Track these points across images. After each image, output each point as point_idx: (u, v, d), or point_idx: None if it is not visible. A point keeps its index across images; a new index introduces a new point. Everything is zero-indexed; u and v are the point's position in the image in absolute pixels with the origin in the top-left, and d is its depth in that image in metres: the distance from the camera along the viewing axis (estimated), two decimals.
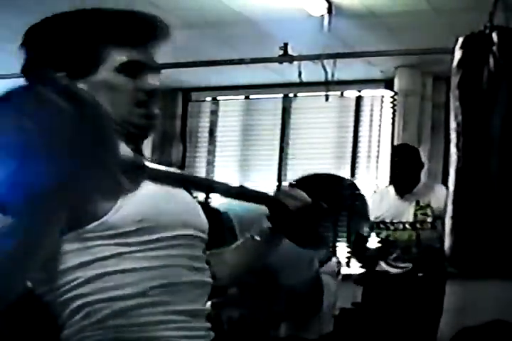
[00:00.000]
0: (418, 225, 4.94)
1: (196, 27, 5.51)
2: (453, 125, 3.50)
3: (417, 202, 4.99)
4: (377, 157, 6.56)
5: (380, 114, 6.62)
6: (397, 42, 5.56)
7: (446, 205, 3.60)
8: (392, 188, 5.12)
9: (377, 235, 5.12)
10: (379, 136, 6.58)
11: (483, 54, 3.48)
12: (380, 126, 6.61)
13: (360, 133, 6.64)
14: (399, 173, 5.07)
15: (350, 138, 6.63)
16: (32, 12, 5.32)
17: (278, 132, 6.46)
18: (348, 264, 6.36)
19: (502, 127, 3.44)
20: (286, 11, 5.18)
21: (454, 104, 3.51)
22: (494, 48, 3.47)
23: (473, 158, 3.47)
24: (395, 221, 5.02)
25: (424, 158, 5.36)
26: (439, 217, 4.83)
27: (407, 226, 4.97)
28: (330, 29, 5.22)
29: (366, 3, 5.08)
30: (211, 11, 5.25)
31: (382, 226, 5.05)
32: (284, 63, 5.60)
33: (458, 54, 3.56)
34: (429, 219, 4.92)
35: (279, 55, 5.54)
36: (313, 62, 5.55)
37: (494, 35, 3.50)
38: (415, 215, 4.98)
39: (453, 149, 3.51)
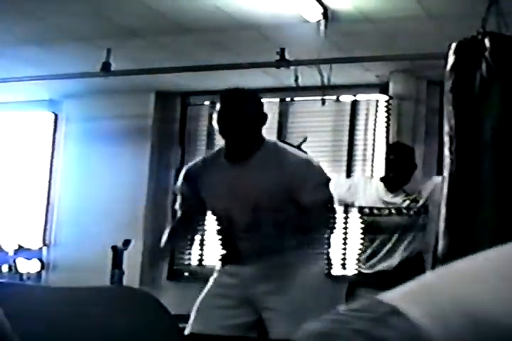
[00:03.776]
0: (404, 211, 4.95)
1: (195, 32, 5.56)
2: (446, 128, 3.57)
3: (404, 191, 5.02)
4: (373, 160, 6.61)
5: (375, 118, 6.66)
6: (391, 47, 5.60)
7: (440, 207, 3.66)
8: (380, 184, 5.13)
9: (362, 221, 5.18)
10: (374, 139, 6.62)
11: (476, 59, 3.55)
12: (375, 129, 6.64)
13: (355, 137, 6.68)
14: (392, 170, 5.08)
15: (346, 142, 6.67)
16: (33, 17, 5.40)
17: (275, 136, 6.47)
18: (343, 266, 6.44)
19: (494, 131, 3.51)
20: (282, 16, 5.21)
21: (446, 107, 3.58)
22: (486, 53, 3.53)
23: (465, 161, 3.53)
24: (381, 206, 5.04)
25: (418, 161, 5.39)
26: (426, 206, 4.89)
27: (392, 211, 4.97)
28: (326, 34, 5.25)
29: (361, 9, 5.11)
30: (209, 17, 5.27)
31: (367, 211, 5.09)
32: (281, 68, 5.62)
33: (451, 59, 3.63)
34: (418, 205, 4.92)
35: (276, 60, 5.56)
36: (310, 67, 5.60)
37: (486, 41, 3.56)
38: (403, 201, 4.98)
39: (446, 152, 3.58)
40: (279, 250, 3.32)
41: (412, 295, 1.14)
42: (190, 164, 3.65)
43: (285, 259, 3.32)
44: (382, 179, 5.17)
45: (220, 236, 3.54)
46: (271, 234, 3.32)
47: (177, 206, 3.61)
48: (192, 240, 6.15)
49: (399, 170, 5.03)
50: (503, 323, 1.02)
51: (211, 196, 3.46)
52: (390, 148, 5.36)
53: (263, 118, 3.41)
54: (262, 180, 3.31)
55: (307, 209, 3.33)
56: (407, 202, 4.96)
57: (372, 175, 6.38)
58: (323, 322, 1.14)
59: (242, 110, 3.32)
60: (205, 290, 3.48)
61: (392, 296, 1.15)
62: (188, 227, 3.66)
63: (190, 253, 6.90)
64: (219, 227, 3.53)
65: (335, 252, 6.44)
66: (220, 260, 3.56)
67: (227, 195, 3.38)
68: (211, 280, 3.51)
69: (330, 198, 3.45)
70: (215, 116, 3.36)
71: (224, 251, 3.53)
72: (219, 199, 3.44)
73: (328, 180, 3.46)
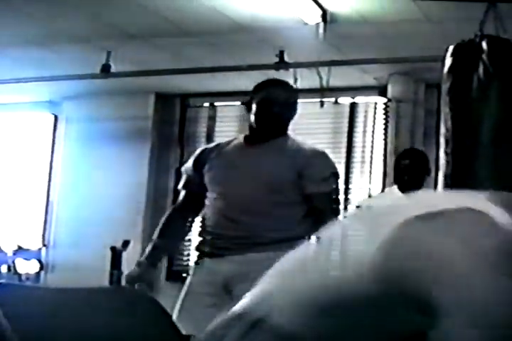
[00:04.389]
0: None
1: (194, 34, 5.56)
2: (442, 130, 3.58)
3: None
4: (371, 162, 6.63)
5: (374, 120, 6.68)
6: (390, 50, 5.62)
7: None
8: (393, 189, 5.20)
9: None
10: (372, 141, 6.65)
11: (473, 62, 3.57)
12: (373, 132, 6.67)
13: (354, 139, 6.70)
14: (406, 174, 5.14)
15: (345, 144, 6.69)
16: (33, 19, 5.41)
17: None
18: None
19: (491, 133, 3.53)
20: (282, 19, 5.22)
21: (443, 110, 3.60)
22: (484, 56, 3.56)
23: (461, 163, 3.55)
24: None
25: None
26: None
27: None
28: (325, 37, 5.26)
29: (360, 12, 5.12)
30: (209, 19, 5.28)
31: None
32: (280, 70, 5.62)
33: (448, 61, 3.65)
34: None
35: (275, 62, 5.59)
36: (309, 69, 5.61)
37: (484, 44, 3.59)
38: None
39: (441, 154, 3.59)
40: (266, 243, 3.29)
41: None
42: (203, 147, 3.72)
43: (268, 255, 3.29)
44: (396, 182, 5.22)
45: (208, 224, 3.50)
46: (265, 223, 3.32)
47: (180, 186, 3.67)
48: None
49: (413, 174, 5.11)
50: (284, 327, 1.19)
51: (218, 171, 3.49)
52: (406, 153, 5.43)
53: (295, 112, 3.57)
54: (273, 163, 3.38)
55: (311, 198, 3.36)
56: None
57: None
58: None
59: (291, 97, 3.52)
60: (186, 288, 3.45)
61: (246, 303, 1.27)
62: (185, 216, 3.65)
63: (188, 254, 6.91)
64: (211, 213, 3.49)
65: None
66: (198, 250, 3.54)
67: (235, 173, 3.43)
68: (190, 278, 3.49)
69: (336, 191, 3.49)
70: (261, 95, 3.44)
71: (206, 242, 3.51)
72: (225, 178, 3.46)
73: (338, 175, 3.54)
